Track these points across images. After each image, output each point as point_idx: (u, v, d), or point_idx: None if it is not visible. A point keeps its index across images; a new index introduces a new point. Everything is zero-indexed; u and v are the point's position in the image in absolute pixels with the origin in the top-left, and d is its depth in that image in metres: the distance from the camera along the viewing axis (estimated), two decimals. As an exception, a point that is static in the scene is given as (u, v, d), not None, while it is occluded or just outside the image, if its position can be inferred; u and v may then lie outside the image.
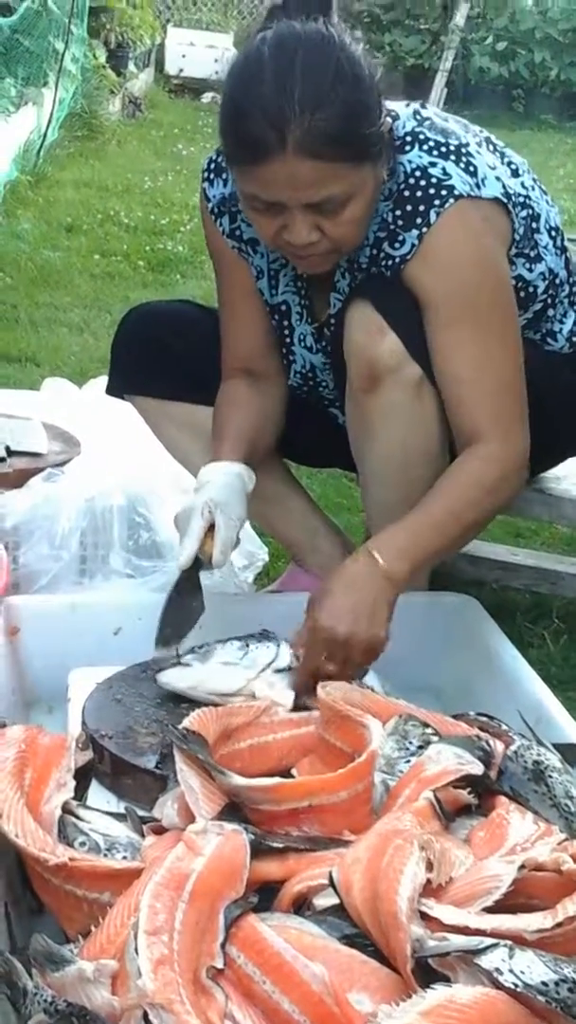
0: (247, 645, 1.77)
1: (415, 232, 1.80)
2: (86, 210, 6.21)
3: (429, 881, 1.23)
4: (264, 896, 1.28)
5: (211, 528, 1.82)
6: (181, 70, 11.70)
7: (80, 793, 1.53)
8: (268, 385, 2.05)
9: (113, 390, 2.23)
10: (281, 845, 1.35)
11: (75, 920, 1.33)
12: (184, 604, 1.83)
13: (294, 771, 1.57)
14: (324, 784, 1.45)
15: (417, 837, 1.27)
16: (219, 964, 1.17)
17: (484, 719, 1.63)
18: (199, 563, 1.83)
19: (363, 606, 1.70)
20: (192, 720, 1.54)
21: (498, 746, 1.53)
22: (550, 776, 1.47)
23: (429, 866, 1.25)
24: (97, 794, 1.59)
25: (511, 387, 1.83)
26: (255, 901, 1.25)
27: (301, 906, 1.29)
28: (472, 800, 1.44)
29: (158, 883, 1.22)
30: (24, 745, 1.55)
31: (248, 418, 1.99)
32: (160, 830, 1.43)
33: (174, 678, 1.73)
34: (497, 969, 1.11)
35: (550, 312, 2.02)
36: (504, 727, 1.61)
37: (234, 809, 1.41)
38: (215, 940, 1.18)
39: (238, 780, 1.42)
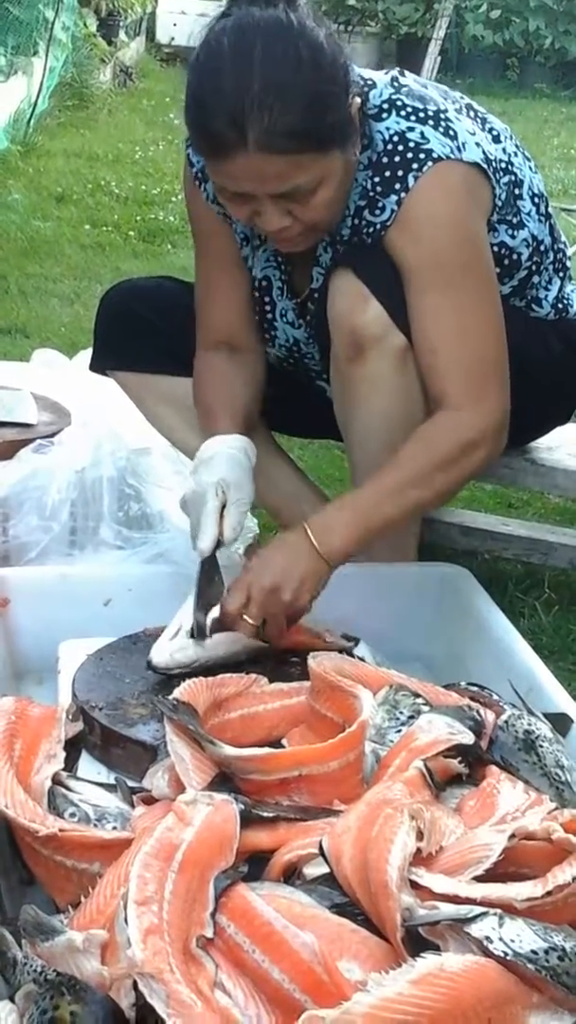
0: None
1: (394, 197, 1.79)
2: (76, 180, 6.17)
3: (419, 850, 1.23)
4: (254, 866, 1.28)
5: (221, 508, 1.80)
6: (172, 39, 11.57)
7: (70, 764, 1.53)
8: (248, 357, 2.03)
9: (96, 367, 2.24)
10: (271, 815, 1.34)
11: (65, 891, 1.33)
12: (213, 589, 1.80)
13: (284, 741, 1.57)
14: (314, 754, 1.45)
15: (407, 806, 1.27)
16: (209, 933, 1.17)
17: (475, 689, 1.63)
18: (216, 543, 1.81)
19: (293, 570, 1.70)
20: (182, 690, 1.54)
21: (489, 716, 1.53)
22: (541, 745, 1.47)
23: (419, 835, 1.25)
24: (87, 765, 1.59)
25: (486, 354, 1.81)
26: (245, 871, 1.25)
27: (291, 875, 1.29)
28: (463, 769, 1.44)
29: (148, 853, 1.22)
30: (14, 716, 1.55)
31: (238, 391, 1.97)
32: (150, 800, 1.43)
33: (171, 658, 1.71)
34: (487, 937, 1.11)
35: (535, 279, 2.01)
36: (495, 697, 1.61)
37: (224, 779, 1.41)
38: (205, 910, 1.18)
39: (228, 750, 1.42)
